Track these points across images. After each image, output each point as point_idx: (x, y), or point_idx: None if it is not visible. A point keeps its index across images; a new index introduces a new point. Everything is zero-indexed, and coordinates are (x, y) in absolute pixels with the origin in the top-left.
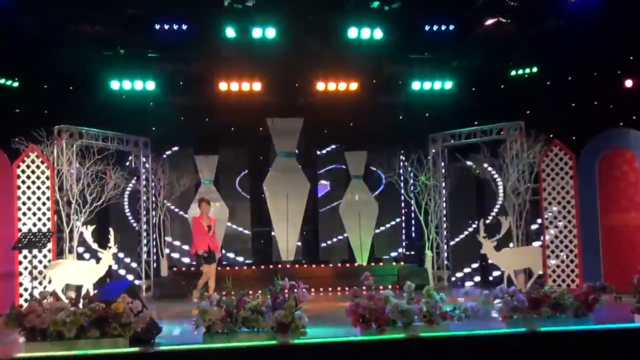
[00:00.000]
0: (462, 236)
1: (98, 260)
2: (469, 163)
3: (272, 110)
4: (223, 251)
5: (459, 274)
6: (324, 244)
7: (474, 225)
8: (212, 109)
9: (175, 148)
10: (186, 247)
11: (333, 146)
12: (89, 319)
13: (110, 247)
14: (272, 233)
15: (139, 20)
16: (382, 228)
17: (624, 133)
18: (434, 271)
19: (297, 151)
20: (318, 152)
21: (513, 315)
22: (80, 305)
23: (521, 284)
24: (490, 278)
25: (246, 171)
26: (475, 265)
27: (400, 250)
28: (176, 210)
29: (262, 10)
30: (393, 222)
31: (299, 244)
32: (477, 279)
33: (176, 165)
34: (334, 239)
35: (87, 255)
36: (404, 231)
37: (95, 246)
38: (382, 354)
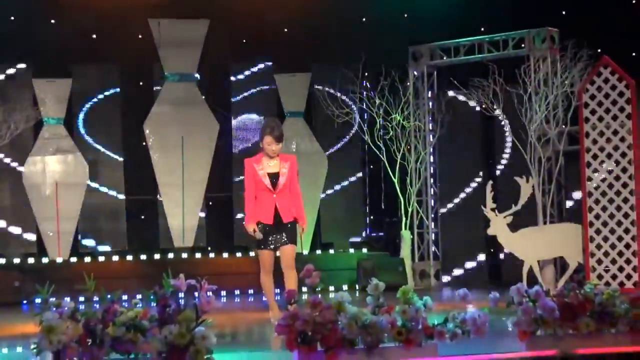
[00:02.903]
0: (456, 201)
1: None
2: (469, 93)
3: (159, 6)
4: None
5: (454, 267)
6: (240, 216)
7: (473, 187)
8: (61, 3)
9: (7, 68)
10: (42, 225)
11: (260, 66)
12: None
13: None
14: (159, 202)
15: None
16: (332, 194)
17: None
18: (414, 263)
19: (197, 73)
20: (233, 77)
21: (536, 330)
22: None
23: (549, 281)
24: (502, 273)
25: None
26: (478, 254)
27: (361, 229)
28: (7, 162)
29: None
30: (350, 187)
31: (202, 215)
32: (480, 273)
33: (3, 95)
34: None
35: None
36: (367, 200)
37: None
38: None
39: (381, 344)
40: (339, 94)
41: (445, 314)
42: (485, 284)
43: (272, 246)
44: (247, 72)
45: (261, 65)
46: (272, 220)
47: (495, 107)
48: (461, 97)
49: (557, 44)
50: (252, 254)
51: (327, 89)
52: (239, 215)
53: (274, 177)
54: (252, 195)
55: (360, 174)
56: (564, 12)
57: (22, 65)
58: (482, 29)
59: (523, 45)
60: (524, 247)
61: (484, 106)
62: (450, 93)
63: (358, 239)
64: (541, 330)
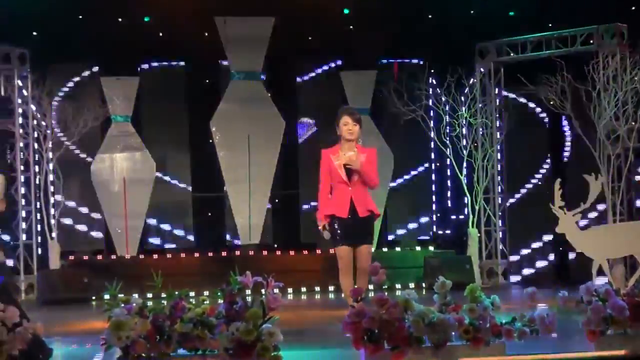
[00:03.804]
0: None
1: None
2: (537, 90)
3: (225, 5)
4: (152, 221)
5: (523, 266)
6: (306, 207)
7: (535, 179)
8: (128, 2)
9: (77, 68)
10: (97, 216)
11: (325, 68)
12: None
13: None
14: (226, 200)
15: None
16: (399, 191)
17: None
18: (481, 261)
19: (263, 70)
20: (299, 78)
21: (606, 329)
22: None
23: (619, 280)
24: (570, 271)
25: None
26: (547, 253)
27: (427, 227)
28: (80, 159)
29: None
30: (417, 184)
31: (269, 206)
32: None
33: (72, 93)
34: None
35: None
36: (434, 198)
37: None
38: None
39: (448, 343)
40: (404, 92)
41: (512, 313)
42: (554, 282)
43: (349, 241)
44: (315, 72)
45: (326, 67)
46: (347, 213)
47: (562, 104)
48: (522, 100)
49: (627, 40)
50: (318, 251)
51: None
52: (305, 206)
53: (347, 169)
54: (327, 189)
55: (426, 172)
56: (633, 8)
57: (90, 64)
58: (550, 25)
59: (592, 42)
60: (594, 245)
61: (551, 103)
62: (512, 95)
63: (425, 237)
64: (611, 330)
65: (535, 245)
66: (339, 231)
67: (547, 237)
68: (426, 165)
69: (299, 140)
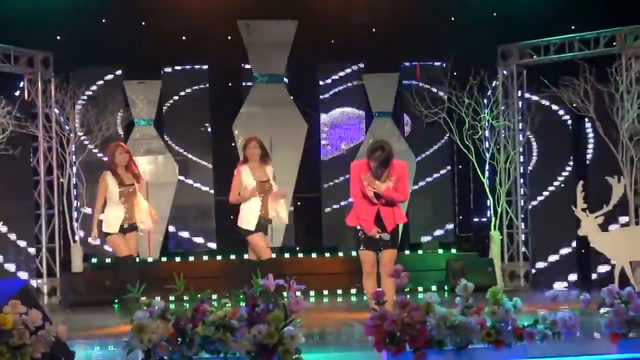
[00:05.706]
0: (543, 196)
1: None
2: (560, 92)
3: (248, 8)
4: (172, 228)
5: (543, 266)
6: (328, 210)
7: (562, 187)
8: (151, 6)
9: (101, 72)
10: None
11: (348, 71)
12: None
13: None
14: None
15: None
16: (421, 194)
17: None
18: (503, 264)
19: (286, 74)
20: (322, 81)
21: (628, 332)
22: None
23: None
24: (594, 275)
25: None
26: (567, 253)
27: (450, 229)
28: (103, 162)
29: None
30: (439, 186)
31: (291, 209)
32: (573, 276)
33: (95, 97)
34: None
35: None
36: (456, 200)
37: None
38: None
39: (470, 345)
40: (426, 94)
41: (535, 316)
42: (576, 284)
43: (372, 247)
44: (338, 75)
45: (348, 70)
46: (372, 227)
47: (585, 106)
48: (544, 102)
49: None
50: (340, 254)
51: (415, 88)
52: (327, 209)
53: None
54: (360, 197)
55: (448, 174)
56: None
57: (114, 68)
58: (573, 27)
59: (615, 44)
60: (616, 247)
61: (574, 105)
62: (535, 97)
63: (447, 240)
64: (633, 333)
65: (558, 248)
66: (363, 237)
67: (570, 240)
68: (448, 167)
69: (321, 143)
